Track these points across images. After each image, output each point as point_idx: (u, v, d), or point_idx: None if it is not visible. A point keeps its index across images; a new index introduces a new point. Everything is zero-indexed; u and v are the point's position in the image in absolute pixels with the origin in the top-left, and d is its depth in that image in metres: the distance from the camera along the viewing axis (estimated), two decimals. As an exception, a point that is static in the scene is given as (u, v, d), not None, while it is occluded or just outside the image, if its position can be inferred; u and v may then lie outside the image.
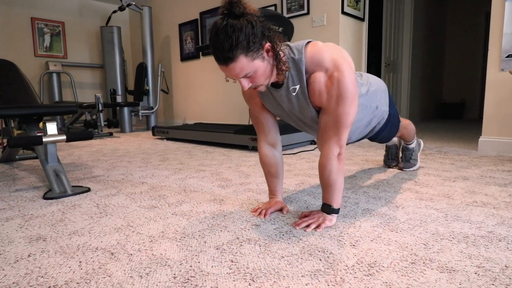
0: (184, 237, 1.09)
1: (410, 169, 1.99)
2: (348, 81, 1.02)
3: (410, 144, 1.99)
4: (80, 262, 0.93)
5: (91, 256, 0.96)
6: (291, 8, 3.63)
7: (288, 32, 3.15)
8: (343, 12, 3.32)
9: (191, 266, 0.90)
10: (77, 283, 0.83)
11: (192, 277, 0.84)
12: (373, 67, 6.29)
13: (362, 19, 3.62)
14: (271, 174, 1.33)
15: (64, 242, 1.07)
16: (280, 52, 1.02)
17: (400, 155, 2.09)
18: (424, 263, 0.89)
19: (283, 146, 2.83)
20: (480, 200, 1.41)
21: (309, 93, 1.08)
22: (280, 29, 3.05)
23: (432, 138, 3.47)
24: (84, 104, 3.91)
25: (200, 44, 4.69)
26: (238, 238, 1.08)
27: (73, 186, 1.72)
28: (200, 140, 3.36)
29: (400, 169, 2.02)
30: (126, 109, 4.66)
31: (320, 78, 1.04)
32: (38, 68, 5.02)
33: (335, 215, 1.18)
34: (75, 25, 5.34)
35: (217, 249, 1.00)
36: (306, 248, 0.99)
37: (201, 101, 4.93)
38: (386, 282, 0.80)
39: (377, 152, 2.66)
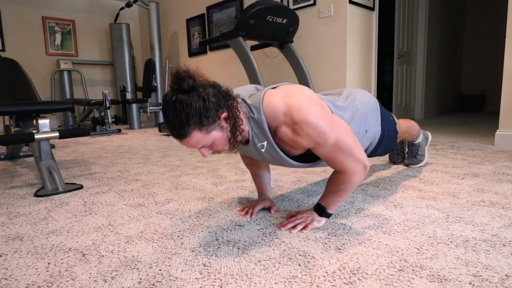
0: (162, 238, 1.04)
1: (417, 165, 1.88)
2: (313, 117, 0.91)
3: (416, 139, 1.88)
4: (48, 263, 0.90)
5: (61, 258, 0.93)
6: (298, -1, 3.52)
7: (292, 24, 3.05)
8: (351, 2, 3.19)
9: (160, 270, 0.84)
10: (39, 286, 0.79)
11: (158, 282, 0.79)
12: (388, 59, 6.08)
13: (372, 9, 3.48)
14: (254, 173, 1.26)
15: (40, 242, 1.04)
16: (238, 119, 0.93)
17: (406, 150, 1.97)
18: (413, 270, 0.81)
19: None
20: (488, 199, 1.30)
21: (280, 146, 1.00)
22: (284, 20, 2.95)
23: (446, 132, 3.31)
24: (92, 101, 3.94)
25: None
26: (217, 239, 1.02)
27: (66, 184, 1.71)
28: (205, 136, 3.32)
29: (406, 165, 1.91)
30: (134, 106, 4.68)
31: (285, 131, 0.94)
32: (50, 67, 5.10)
33: (325, 219, 1.11)
34: (85, 23, 5.39)
35: (192, 251, 0.94)
36: (286, 251, 0.92)
37: (210, 96, 4.89)
38: (366, 292, 0.72)
39: (385, 147, 2.54)
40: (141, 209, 1.31)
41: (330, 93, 1.29)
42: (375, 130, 1.27)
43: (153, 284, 0.78)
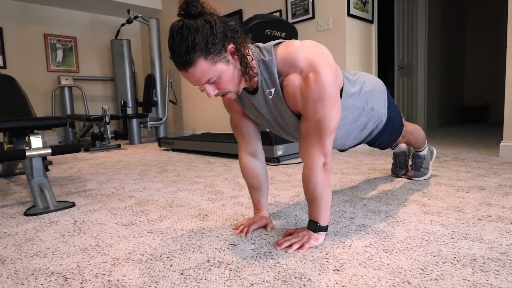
0: (151, 259, 0.98)
1: (420, 178, 1.82)
2: (325, 81, 0.90)
3: (420, 151, 1.83)
4: (27, 289, 0.84)
5: (42, 283, 0.87)
6: (296, 13, 3.54)
7: (291, 38, 3.04)
8: (349, 15, 3.19)
9: (145, 296, 0.79)
10: (13, 316, 0.73)
11: (142, 309, 0.73)
12: (389, 71, 6.07)
13: (371, 21, 3.48)
14: (253, 187, 1.21)
15: (22, 265, 0.99)
16: (248, 56, 0.92)
17: (410, 163, 1.92)
18: (417, 294, 0.74)
19: (287, 155, 2.71)
20: (495, 213, 1.24)
21: (284, 97, 0.97)
22: (283, 34, 2.95)
23: (450, 144, 3.25)
24: (92, 117, 3.93)
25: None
26: (209, 260, 0.96)
27: (58, 202, 1.66)
28: (204, 151, 3.28)
29: (409, 178, 1.85)
30: (134, 121, 4.66)
31: (294, 80, 0.93)
32: (51, 83, 5.13)
33: (322, 234, 1.05)
34: (86, 39, 5.44)
35: (181, 274, 0.89)
36: (281, 273, 0.86)
37: (210, 111, 4.88)
38: (366, 320, 0.66)
39: (387, 160, 2.48)
40: (132, 228, 1.26)
41: None
42: (381, 111, 1.27)
43: (136, 312, 0.72)
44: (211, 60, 0.85)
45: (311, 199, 1.03)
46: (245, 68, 0.91)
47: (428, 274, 0.82)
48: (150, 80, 4.77)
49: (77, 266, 0.96)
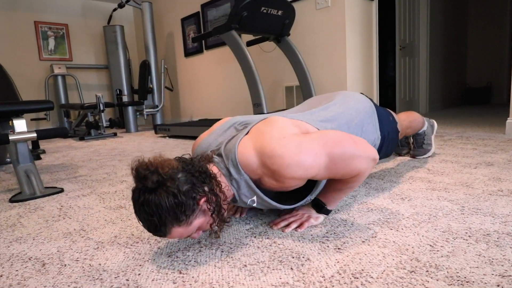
0: (137, 242, 0.91)
1: (424, 156, 1.74)
2: (292, 158, 0.79)
3: (419, 130, 1.74)
4: (1, 276, 0.77)
5: (17, 269, 0.80)
6: (293, -9, 3.40)
7: (288, 16, 2.92)
8: (348, -9, 3.05)
9: (127, 280, 0.72)
10: (-19, 304, 0.66)
11: (123, 295, 0.66)
12: (390, 53, 5.91)
13: (371, -2, 3.34)
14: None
15: (0, 251, 0.91)
16: (220, 195, 0.80)
17: (411, 140, 1.84)
18: (427, 271, 0.67)
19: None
20: (506, 188, 1.16)
21: (271, 196, 0.91)
22: (280, 12, 2.83)
23: (453, 124, 3.16)
24: (86, 105, 3.83)
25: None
26: (199, 242, 0.89)
27: (46, 187, 1.59)
28: (201, 136, 3.20)
29: (413, 156, 1.77)
30: (130, 109, 4.57)
31: (270, 182, 0.83)
32: (44, 72, 5.01)
33: (323, 215, 0.98)
34: (79, 26, 5.30)
35: (169, 256, 0.81)
36: (277, 253, 0.79)
37: (207, 97, 4.78)
38: (371, 301, 0.59)
39: (389, 140, 2.40)
40: (120, 212, 1.19)
41: (319, 102, 1.18)
42: (373, 137, 1.16)
43: (115, 298, 0.65)
44: (185, 224, 0.74)
45: (340, 188, 0.93)
46: (218, 215, 0.79)
47: (438, 251, 0.75)
48: (145, 67, 4.65)
49: (58, 251, 0.89)
